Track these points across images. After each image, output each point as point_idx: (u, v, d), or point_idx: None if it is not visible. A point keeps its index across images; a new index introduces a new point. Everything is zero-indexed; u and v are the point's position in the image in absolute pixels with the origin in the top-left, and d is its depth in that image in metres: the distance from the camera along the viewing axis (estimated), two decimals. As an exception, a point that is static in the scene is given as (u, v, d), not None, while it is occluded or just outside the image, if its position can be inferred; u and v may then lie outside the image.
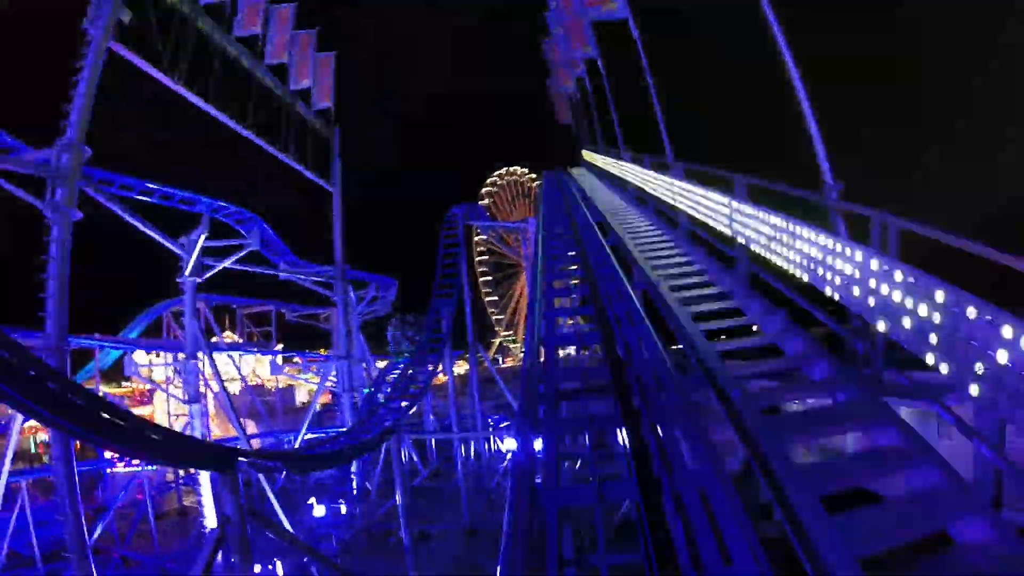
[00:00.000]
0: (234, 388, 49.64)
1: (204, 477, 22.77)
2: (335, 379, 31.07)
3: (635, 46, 18.12)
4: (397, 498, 22.73)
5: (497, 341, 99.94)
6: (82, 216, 15.86)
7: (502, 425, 39.48)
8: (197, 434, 23.17)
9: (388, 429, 18.66)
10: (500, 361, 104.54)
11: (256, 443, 37.41)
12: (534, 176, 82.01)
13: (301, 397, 58.34)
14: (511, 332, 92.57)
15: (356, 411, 28.37)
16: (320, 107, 27.93)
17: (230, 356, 33.58)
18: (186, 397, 23.21)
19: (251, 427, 44.45)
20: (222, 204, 21.29)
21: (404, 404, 22.94)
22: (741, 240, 9.38)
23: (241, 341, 49.89)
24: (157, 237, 19.71)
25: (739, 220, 9.34)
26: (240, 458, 11.25)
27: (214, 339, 38.78)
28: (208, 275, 23.57)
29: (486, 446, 38.25)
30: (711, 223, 10.68)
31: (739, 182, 9.53)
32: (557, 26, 27.25)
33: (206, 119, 20.79)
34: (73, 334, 15.51)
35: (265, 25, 24.64)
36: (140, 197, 19.08)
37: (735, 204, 9.45)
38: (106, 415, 8.45)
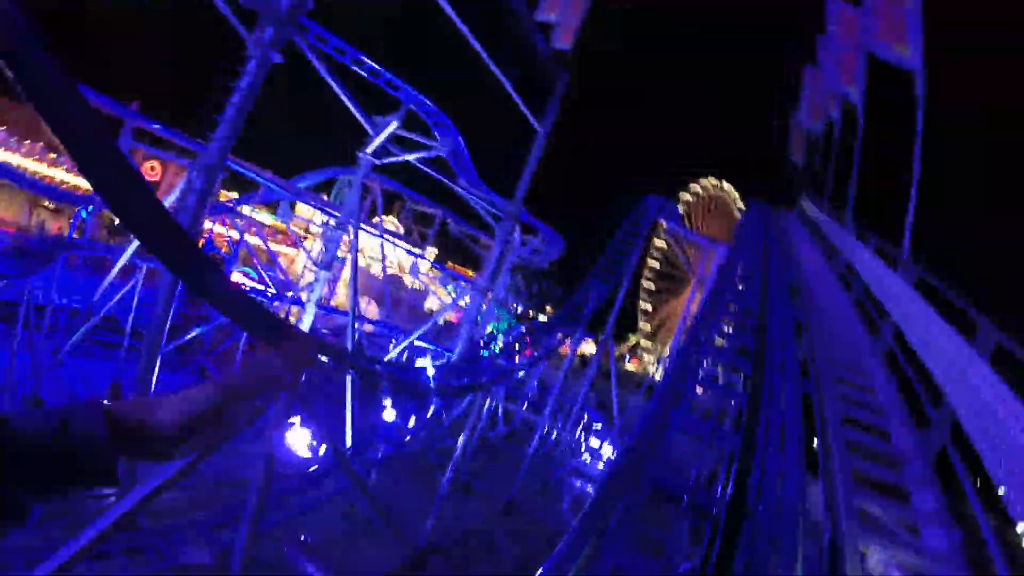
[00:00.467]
0: (376, 270, 51.91)
1: (307, 318, 23.63)
2: (465, 306, 30.99)
3: (912, 107, 14.69)
4: (460, 440, 22.26)
5: (633, 341, 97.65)
6: (281, 60, 16.04)
7: (595, 426, 38.35)
8: (315, 297, 23.99)
9: (478, 384, 17.97)
10: (626, 360, 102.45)
11: (369, 328, 39.05)
12: (739, 199, 77.47)
13: (431, 304, 59.98)
14: (650, 342, 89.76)
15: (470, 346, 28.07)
16: (558, 46, 26.95)
17: (382, 239, 34.39)
18: (320, 260, 23.98)
19: (373, 311, 46.30)
20: (425, 99, 21.07)
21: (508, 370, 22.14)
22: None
23: (401, 230, 51.82)
24: (352, 108, 19.82)
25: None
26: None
27: (375, 219, 40.20)
28: (387, 161, 23.74)
29: (569, 436, 37.15)
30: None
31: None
32: (827, 53, 24.03)
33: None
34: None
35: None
36: (351, 65, 19.15)
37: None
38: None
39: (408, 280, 57.41)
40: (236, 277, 43.14)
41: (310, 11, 15.98)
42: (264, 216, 48.76)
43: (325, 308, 31.67)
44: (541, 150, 26.24)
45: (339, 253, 25.03)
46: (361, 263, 53.85)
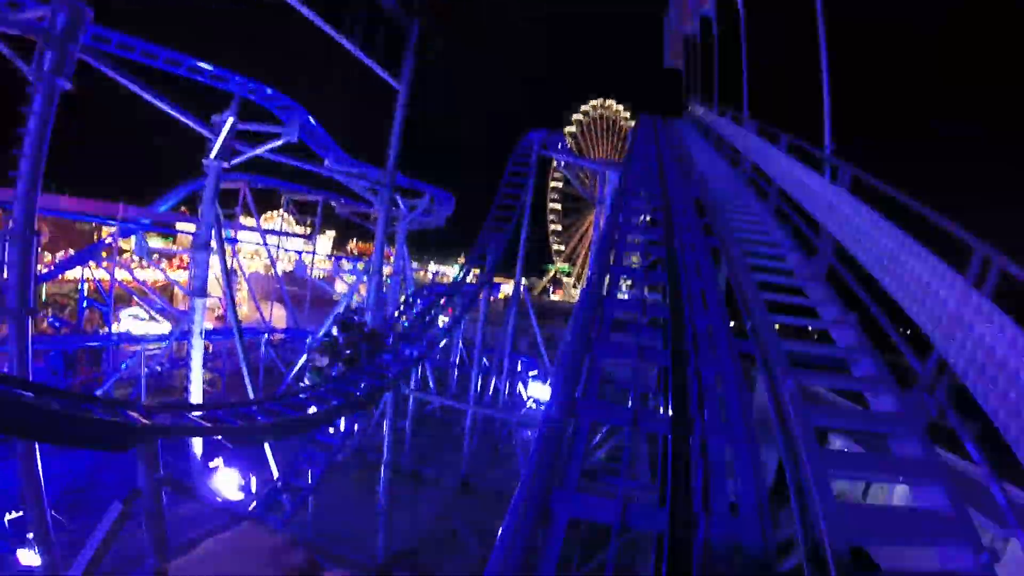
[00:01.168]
0: (267, 272, 48.87)
1: (196, 353, 21.30)
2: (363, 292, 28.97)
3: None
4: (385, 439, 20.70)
5: (552, 271, 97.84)
6: (71, 88, 13.50)
7: (530, 374, 37.38)
8: (197, 330, 21.50)
9: (382, 387, 16.12)
10: (550, 293, 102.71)
11: (279, 337, 36.65)
12: (629, 115, 76.96)
13: (341, 288, 57.26)
14: (570, 265, 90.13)
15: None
16: (406, -7, 24.52)
17: (265, 241, 31.76)
18: (192, 286, 21.45)
19: (280, 314, 43.54)
20: (259, 85, 18.59)
21: (416, 351, 20.34)
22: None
23: (292, 224, 48.63)
24: (170, 110, 17.12)
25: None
26: (157, 436, 8.89)
27: (247, 220, 37.18)
28: (237, 161, 21.15)
29: (506, 388, 36.07)
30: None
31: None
32: None
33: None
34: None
35: None
36: (144, 60, 16.43)
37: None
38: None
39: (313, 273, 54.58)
40: (127, 323, 39.89)
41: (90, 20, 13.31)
42: (155, 241, 44.93)
43: (218, 333, 29.14)
44: (405, 108, 23.96)
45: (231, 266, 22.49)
46: (256, 267, 50.66)
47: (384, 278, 28.98)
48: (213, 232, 20.30)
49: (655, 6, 34.21)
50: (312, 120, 21.16)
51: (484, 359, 34.81)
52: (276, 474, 21.34)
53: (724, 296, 7.41)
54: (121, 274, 31.27)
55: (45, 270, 30.14)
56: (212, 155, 19.72)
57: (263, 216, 58.31)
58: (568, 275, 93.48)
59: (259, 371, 33.03)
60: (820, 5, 10.10)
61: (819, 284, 7.50)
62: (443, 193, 30.79)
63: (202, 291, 20.95)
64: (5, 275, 13.54)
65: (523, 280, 32.86)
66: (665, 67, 34.29)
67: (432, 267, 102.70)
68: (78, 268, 29.39)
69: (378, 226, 24.58)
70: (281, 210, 39.59)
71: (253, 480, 22.02)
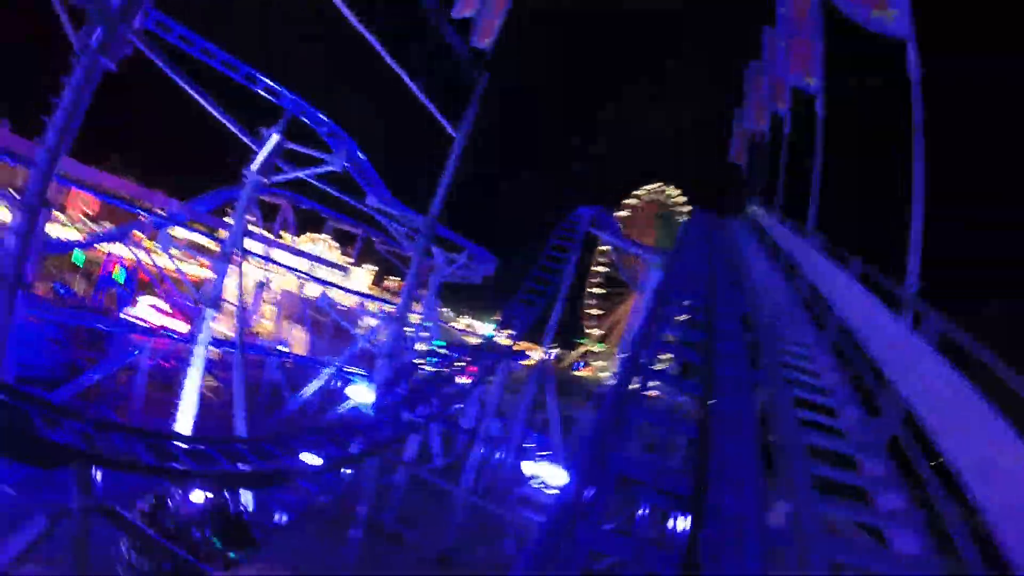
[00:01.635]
0: (307, 290, 48.53)
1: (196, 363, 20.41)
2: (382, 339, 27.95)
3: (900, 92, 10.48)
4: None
5: (584, 347, 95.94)
6: (115, 69, 13.03)
7: (541, 455, 35.61)
8: (202, 339, 20.68)
9: (368, 451, 14.79)
10: (579, 367, 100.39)
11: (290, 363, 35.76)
12: (685, 204, 76.13)
13: (370, 322, 56.59)
14: (602, 344, 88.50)
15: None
16: (477, 45, 24.19)
17: (292, 267, 31.24)
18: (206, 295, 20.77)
19: (299, 336, 42.79)
20: (311, 108, 18.16)
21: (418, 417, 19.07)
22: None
23: (334, 250, 48.48)
24: (220, 117, 16.69)
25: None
26: (91, 462, 7.88)
27: (287, 237, 36.85)
28: (278, 179, 20.66)
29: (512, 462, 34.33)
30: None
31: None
32: (779, 41, 21.30)
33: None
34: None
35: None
36: (201, 56, 16.06)
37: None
38: None
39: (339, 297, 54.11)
40: (143, 310, 39.44)
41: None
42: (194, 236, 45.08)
43: (220, 343, 28.22)
44: (457, 158, 23.31)
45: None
46: (290, 285, 50.56)
47: (408, 326, 28.09)
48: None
49: (730, 97, 33.37)
50: (361, 154, 20.62)
51: (494, 428, 33.34)
52: (248, 505, 19.99)
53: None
54: (151, 259, 30.68)
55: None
56: (254, 167, 19.20)
57: (306, 236, 58.67)
58: (598, 353, 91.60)
59: (264, 392, 32.08)
60: (920, 118, 8.74)
61: (879, 458, 6.03)
62: (485, 253, 29.95)
63: (214, 301, 20.18)
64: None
65: (550, 352, 31.59)
66: (729, 161, 33.22)
67: (464, 321, 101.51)
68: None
69: (408, 274, 23.73)
70: (324, 234, 39.37)
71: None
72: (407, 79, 20.39)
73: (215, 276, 22.09)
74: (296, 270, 33.10)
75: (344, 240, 41.67)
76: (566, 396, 67.44)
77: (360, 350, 31.71)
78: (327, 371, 28.86)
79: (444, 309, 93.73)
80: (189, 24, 15.76)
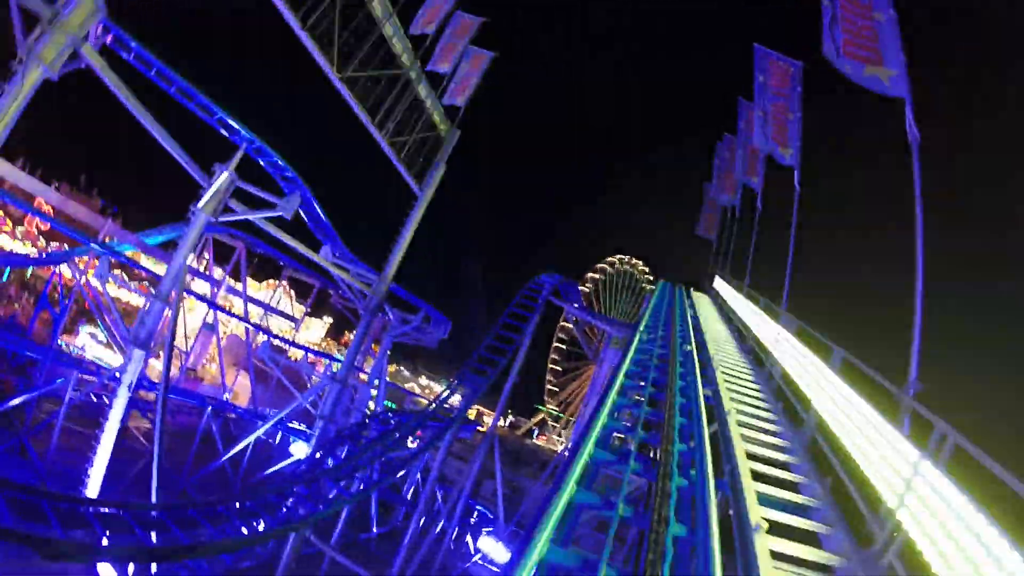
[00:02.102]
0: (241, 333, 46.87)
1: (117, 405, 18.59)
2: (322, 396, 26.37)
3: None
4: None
5: (541, 415, 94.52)
6: (55, 79, 12.02)
7: (485, 531, 33.73)
8: (126, 381, 18.99)
9: (275, 531, 13.11)
10: (535, 435, 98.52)
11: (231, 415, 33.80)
12: (651, 278, 76.38)
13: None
14: (560, 412, 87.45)
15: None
16: (450, 102, 23.70)
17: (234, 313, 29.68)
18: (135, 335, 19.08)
19: (247, 385, 40.64)
20: (266, 148, 17.12)
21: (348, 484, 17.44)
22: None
23: (286, 299, 46.64)
24: (168, 148, 15.53)
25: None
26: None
27: (233, 282, 35.30)
28: (227, 219, 19.40)
29: (454, 535, 32.54)
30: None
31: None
32: (758, 111, 20.68)
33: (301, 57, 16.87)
34: None
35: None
36: (157, 80, 15.08)
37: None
38: None
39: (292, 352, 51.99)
40: (83, 338, 37.35)
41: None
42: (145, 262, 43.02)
43: (154, 385, 26.32)
44: (416, 218, 22.43)
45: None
46: (240, 330, 48.65)
47: (353, 385, 26.63)
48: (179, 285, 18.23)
49: (700, 172, 33.30)
50: (317, 205, 19.51)
51: (439, 497, 31.65)
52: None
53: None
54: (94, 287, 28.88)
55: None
56: (201, 204, 17.96)
57: (265, 283, 56.73)
58: (556, 421, 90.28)
59: (201, 441, 30.03)
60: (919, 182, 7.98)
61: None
62: (440, 316, 28.81)
63: (144, 343, 18.56)
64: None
65: (502, 421, 30.20)
66: (697, 234, 32.84)
67: (423, 381, 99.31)
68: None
69: (356, 334, 22.44)
70: (279, 281, 37.84)
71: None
72: (375, 134, 19.60)
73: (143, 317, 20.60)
74: (242, 317, 31.48)
75: (302, 290, 40.07)
76: (518, 466, 65.72)
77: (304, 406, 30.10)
78: (265, 426, 26.99)
79: (400, 368, 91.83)
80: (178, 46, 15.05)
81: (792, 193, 17.09)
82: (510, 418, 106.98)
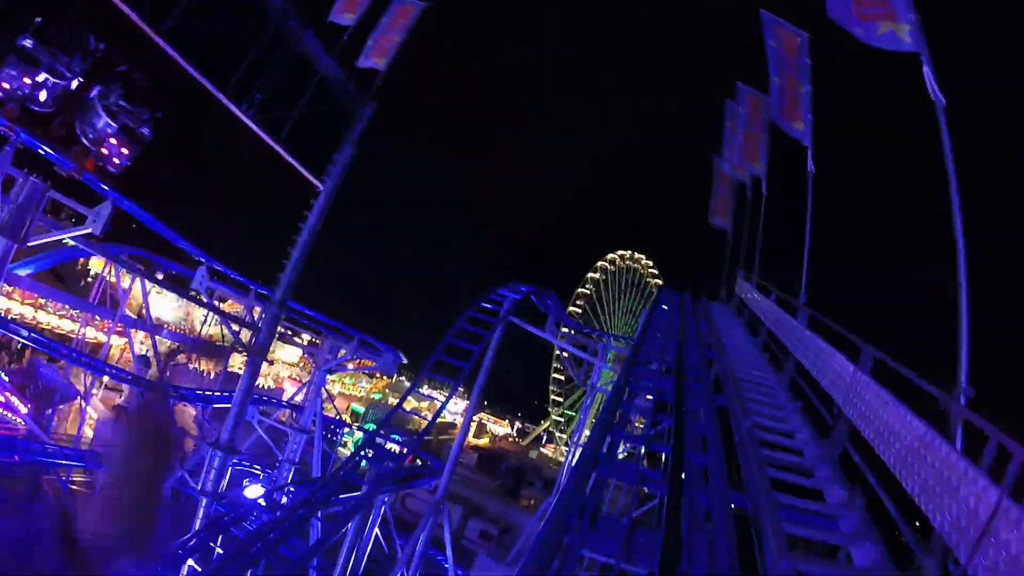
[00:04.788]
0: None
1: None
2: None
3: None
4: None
5: (546, 423, 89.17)
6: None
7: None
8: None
9: None
10: (541, 444, 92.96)
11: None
12: (656, 272, 70.27)
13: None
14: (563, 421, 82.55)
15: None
16: (365, 64, 17.80)
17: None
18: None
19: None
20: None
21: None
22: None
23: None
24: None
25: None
26: None
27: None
28: (35, 242, 13.66)
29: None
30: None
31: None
32: (774, 78, 15.68)
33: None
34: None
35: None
36: None
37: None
38: None
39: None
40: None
41: None
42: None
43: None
44: (320, 213, 16.54)
45: None
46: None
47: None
48: None
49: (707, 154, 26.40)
50: (144, 214, 13.72)
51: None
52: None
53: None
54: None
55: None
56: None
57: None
58: (563, 430, 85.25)
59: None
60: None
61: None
62: (383, 346, 23.06)
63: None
64: None
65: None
66: (711, 225, 25.73)
67: (424, 390, 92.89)
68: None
69: (244, 375, 16.58)
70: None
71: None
72: (232, 106, 13.64)
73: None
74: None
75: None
76: (519, 489, 58.92)
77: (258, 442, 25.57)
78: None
79: (401, 379, 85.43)
80: None
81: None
82: (517, 424, 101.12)
